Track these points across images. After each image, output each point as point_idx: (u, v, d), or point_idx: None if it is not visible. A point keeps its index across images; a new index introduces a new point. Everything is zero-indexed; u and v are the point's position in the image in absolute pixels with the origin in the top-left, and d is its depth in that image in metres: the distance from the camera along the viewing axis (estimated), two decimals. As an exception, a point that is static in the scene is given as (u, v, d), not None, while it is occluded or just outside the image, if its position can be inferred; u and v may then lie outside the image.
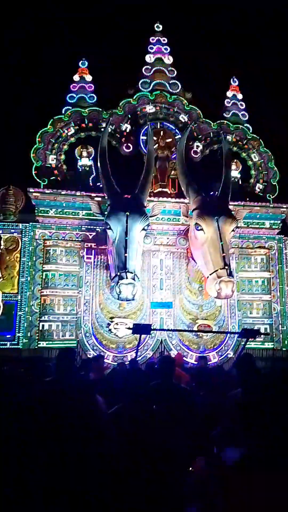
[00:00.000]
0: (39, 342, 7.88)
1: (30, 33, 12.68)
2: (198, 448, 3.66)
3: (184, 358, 7.77)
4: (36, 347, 7.84)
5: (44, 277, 8.16)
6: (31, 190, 8.26)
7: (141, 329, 5.65)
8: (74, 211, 8.46)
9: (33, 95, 11.57)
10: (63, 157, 8.92)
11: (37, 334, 7.93)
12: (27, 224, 8.40)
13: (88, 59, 9.80)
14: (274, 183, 9.62)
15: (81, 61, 9.76)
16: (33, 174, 8.55)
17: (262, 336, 8.33)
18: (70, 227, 8.44)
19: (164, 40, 10.14)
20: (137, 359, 6.75)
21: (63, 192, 8.35)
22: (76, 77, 9.63)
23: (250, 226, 9.10)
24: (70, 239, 8.41)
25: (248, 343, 7.22)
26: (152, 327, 7.25)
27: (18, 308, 8.11)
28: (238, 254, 8.91)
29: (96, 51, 10.81)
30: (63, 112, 9.11)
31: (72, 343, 7.94)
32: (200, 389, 4.85)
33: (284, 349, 8.76)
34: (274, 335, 8.75)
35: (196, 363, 7.79)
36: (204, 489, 3.41)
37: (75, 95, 9.43)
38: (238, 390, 4.20)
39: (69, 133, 8.99)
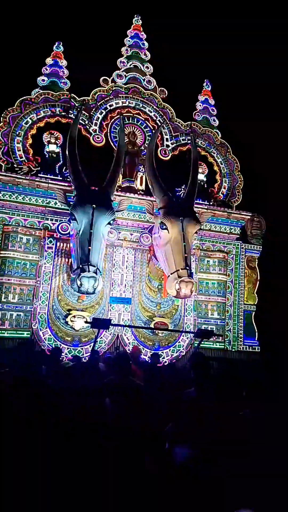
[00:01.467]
0: (-10, 331, 7.59)
1: (4, 10, 12.02)
2: (149, 444, 3.75)
3: (140, 355, 7.85)
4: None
5: (0, 264, 7.86)
6: (-8, 172, 7.90)
7: (100, 323, 5.65)
8: (37, 198, 8.21)
9: (3, 73, 11.02)
10: (29, 140, 8.59)
11: (-11, 323, 7.64)
12: (-14, 208, 8.03)
13: (64, 44, 9.51)
14: (237, 190, 9.96)
15: (56, 44, 9.44)
16: (-4, 156, 8.18)
17: (215, 336, 8.63)
18: (32, 214, 8.19)
19: (142, 35, 10.09)
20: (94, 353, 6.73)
21: (27, 177, 8.07)
22: (49, 60, 9.30)
23: (211, 229, 9.36)
24: (31, 226, 8.16)
25: (201, 342, 7.46)
26: (111, 322, 7.26)
27: None
28: (199, 256, 9.14)
29: (72, 36, 10.48)
30: (32, 94, 8.78)
31: (26, 334, 7.74)
32: (152, 385, 4.96)
33: (233, 350, 9.14)
34: (225, 336, 9.10)
35: (149, 359, 7.92)
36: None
37: (46, 79, 9.12)
38: (191, 389, 4.34)
39: (37, 117, 8.69)
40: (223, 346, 9.02)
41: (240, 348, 9.22)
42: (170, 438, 3.72)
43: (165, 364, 8.03)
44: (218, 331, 8.87)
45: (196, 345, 8.23)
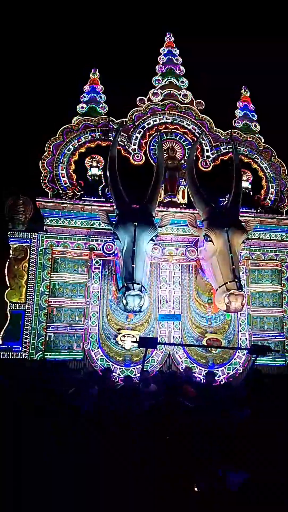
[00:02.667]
0: (45, 353, 7.77)
1: (42, 42, 12.86)
2: (201, 469, 3.50)
3: (193, 374, 7.56)
4: (42, 358, 7.73)
5: (51, 287, 8.09)
6: (40, 199, 8.26)
7: (147, 343, 5.51)
8: (82, 221, 8.41)
9: (45, 103, 11.69)
10: (72, 166, 8.90)
11: (44, 345, 7.83)
12: (36, 234, 8.36)
13: (99, 68, 9.86)
14: (286, 195, 9.45)
15: (92, 71, 9.82)
16: (42, 184, 8.56)
17: (272, 352, 8.07)
18: (78, 237, 8.39)
19: (175, 51, 10.15)
20: (145, 373, 6.59)
21: (71, 202, 8.33)
22: (86, 87, 9.67)
23: (261, 238, 8.92)
24: (78, 248, 8.34)
25: (258, 359, 6.99)
26: (158, 341, 7.10)
27: (25, 318, 8.04)
28: (249, 267, 8.71)
29: (107, 60, 10.86)
30: (73, 122, 9.14)
31: (78, 355, 7.83)
32: (207, 407, 4.68)
33: (295, 365, 8.47)
34: (285, 351, 8.47)
35: (204, 378, 7.59)
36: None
37: (85, 105, 9.46)
38: (246, 411, 4.01)
39: (79, 143, 9.00)
40: (283, 362, 8.39)
41: (302, 363, 8.51)
42: (222, 463, 3.46)
43: (221, 383, 7.64)
44: (277, 346, 8.29)
45: (252, 362, 7.75)
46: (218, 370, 8.00)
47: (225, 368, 8.13)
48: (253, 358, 7.49)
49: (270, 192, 9.49)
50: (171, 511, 3.06)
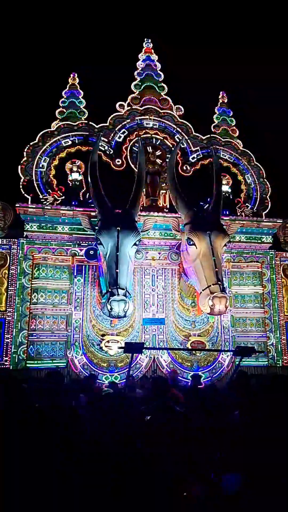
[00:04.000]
0: (27, 362, 7.59)
1: (20, 47, 12.71)
2: (194, 473, 3.48)
3: (178, 377, 7.56)
4: (24, 367, 7.55)
5: (33, 294, 7.93)
6: (19, 205, 8.10)
7: (133, 348, 5.48)
8: (63, 226, 8.30)
9: (23, 108, 11.53)
10: (53, 171, 8.79)
11: (26, 354, 7.64)
12: (16, 240, 8.20)
13: (78, 73, 9.81)
14: (265, 198, 9.64)
15: (72, 76, 9.76)
16: (21, 189, 8.40)
17: (257, 353, 8.18)
18: (60, 243, 8.27)
19: (154, 56, 10.22)
20: (130, 378, 6.54)
21: (52, 207, 8.21)
22: (66, 92, 9.60)
23: (241, 240, 9.06)
24: (60, 254, 8.22)
25: (242, 360, 7.06)
26: (144, 346, 7.06)
27: (6, 327, 7.84)
28: (231, 269, 8.82)
29: (86, 65, 10.83)
30: (52, 126, 9.04)
31: (62, 363, 7.69)
32: (194, 411, 4.67)
33: (278, 365, 8.61)
34: (268, 352, 8.60)
35: (189, 380, 7.59)
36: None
37: (64, 110, 9.38)
38: (235, 413, 4.03)
39: (58, 148, 8.90)
40: (266, 363, 8.51)
41: (285, 363, 8.66)
42: (215, 467, 3.45)
43: (207, 385, 7.66)
44: (260, 347, 8.40)
45: (236, 363, 7.82)
46: (203, 373, 8.02)
47: (209, 370, 8.17)
48: (237, 360, 7.56)
49: (249, 196, 9.66)
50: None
